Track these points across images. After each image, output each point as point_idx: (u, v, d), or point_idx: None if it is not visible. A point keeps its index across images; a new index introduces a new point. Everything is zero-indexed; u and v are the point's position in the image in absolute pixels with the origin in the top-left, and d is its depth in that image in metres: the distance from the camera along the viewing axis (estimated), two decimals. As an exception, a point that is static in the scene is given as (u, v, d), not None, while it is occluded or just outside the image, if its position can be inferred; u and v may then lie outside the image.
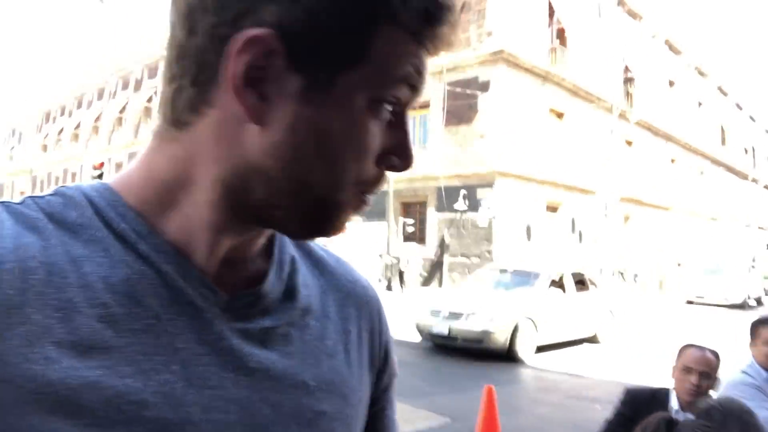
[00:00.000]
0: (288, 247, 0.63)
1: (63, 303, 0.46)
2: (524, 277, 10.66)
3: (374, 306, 0.69)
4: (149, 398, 0.46)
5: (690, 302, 20.57)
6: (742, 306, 19.70)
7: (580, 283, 11.28)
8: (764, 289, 23.10)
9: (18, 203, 0.51)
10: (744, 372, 2.74)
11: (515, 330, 9.13)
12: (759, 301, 21.73)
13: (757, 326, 2.85)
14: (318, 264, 0.66)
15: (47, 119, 48.42)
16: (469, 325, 9.12)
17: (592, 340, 11.21)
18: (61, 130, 45.46)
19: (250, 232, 0.56)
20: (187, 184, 0.52)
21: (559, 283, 10.63)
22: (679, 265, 25.36)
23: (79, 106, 44.26)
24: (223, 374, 0.51)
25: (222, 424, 0.50)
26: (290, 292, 0.60)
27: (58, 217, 0.50)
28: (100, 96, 41.67)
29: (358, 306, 0.66)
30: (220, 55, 0.48)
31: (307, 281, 0.62)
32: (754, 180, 44.36)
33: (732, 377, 2.71)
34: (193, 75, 0.50)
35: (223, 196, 0.51)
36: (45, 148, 48.19)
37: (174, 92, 0.52)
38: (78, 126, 43.36)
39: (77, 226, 0.50)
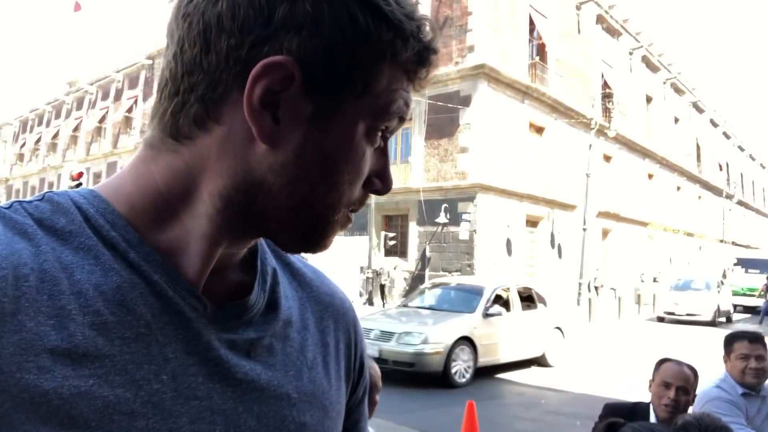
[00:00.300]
0: (269, 259, 0.64)
1: (56, 311, 0.46)
2: (468, 294, 9.82)
3: (350, 318, 0.71)
4: (139, 408, 0.47)
5: (661, 318, 20.05)
6: (713, 322, 19.00)
7: (528, 300, 10.39)
8: (733, 305, 22.73)
9: (5, 208, 0.50)
10: (718, 386, 2.75)
11: (451, 352, 8.28)
12: (729, 318, 20.98)
13: (731, 341, 2.86)
14: (297, 276, 0.67)
15: (24, 129, 47.69)
16: (400, 347, 8.30)
17: (541, 362, 10.24)
18: (38, 140, 44.82)
19: (242, 243, 0.58)
20: (186, 195, 0.53)
21: (505, 301, 9.79)
22: (654, 280, 25.41)
23: (58, 115, 43.71)
24: (210, 385, 0.52)
25: None
26: (272, 304, 0.61)
27: (48, 223, 0.50)
28: (80, 105, 41.20)
29: (335, 318, 0.68)
30: (235, 76, 0.50)
31: (287, 293, 0.64)
32: (728, 196, 45.23)
33: (706, 392, 2.72)
34: (202, 91, 0.51)
35: (222, 210, 0.53)
36: (21, 157, 47.41)
37: (177, 105, 0.52)
38: (56, 135, 42.79)
39: (66, 233, 0.50)
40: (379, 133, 0.55)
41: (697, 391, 2.78)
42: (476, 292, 9.61)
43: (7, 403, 0.42)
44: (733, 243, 42.77)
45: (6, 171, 48.17)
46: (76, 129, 40.84)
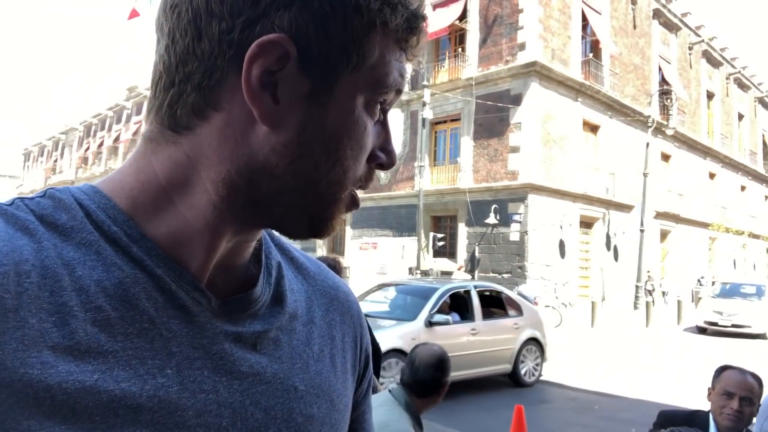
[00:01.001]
0: (274, 253, 0.65)
1: (58, 307, 0.45)
2: (416, 298, 8.26)
3: (355, 311, 0.71)
4: (145, 403, 0.47)
5: (702, 329, 16.63)
6: (765, 335, 15.97)
7: (496, 305, 8.94)
8: None
9: (7, 204, 0.50)
10: None
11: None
12: None
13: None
14: (301, 270, 0.68)
15: (88, 133, 49.94)
16: None
17: (514, 379, 8.76)
18: (101, 144, 46.80)
19: (246, 233, 0.57)
20: (186, 186, 0.53)
21: (465, 307, 8.39)
22: (713, 283, 23.84)
23: (119, 120, 45.55)
24: (216, 378, 0.52)
25: (215, 428, 0.51)
26: (278, 297, 0.61)
27: (49, 219, 0.49)
28: (139, 110, 42.81)
29: (341, 311, 0.68)
30: (230, 60, 0.50)
31: (293, 287, 0.64)
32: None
33: None
34: (198, 79, 0.51)
35: (225, 197, 0.52)
36: (86, 161, 49.68)
37: (174, 97, 0.52)
38: (117, 139, 44.59)
39: (68, 229, 0.50)
40: (378, 106, 0.55)
41: (762, 401, 2.61)
42: (425, 296, 8.12)
43: (10, 398, 0.42)
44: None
45: (71, 174, 50.50)
46: (135, 133, 42.45)
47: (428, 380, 2.25)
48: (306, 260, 0.70)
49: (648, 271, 22.12)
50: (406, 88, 22.38)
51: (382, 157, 0.57)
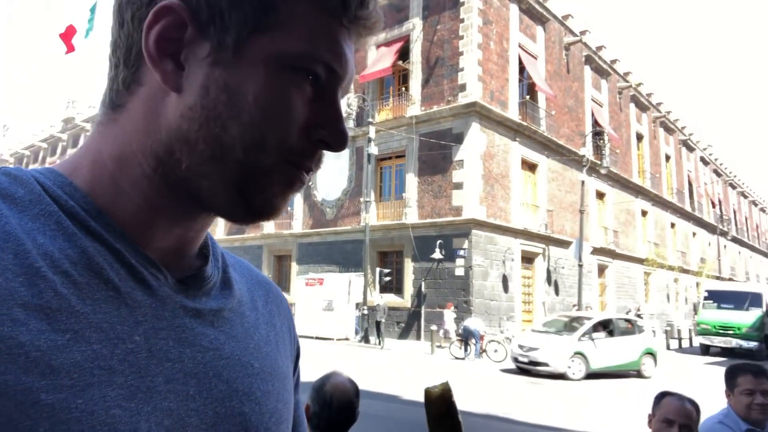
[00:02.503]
0: (218, 247, 0.67)
1: (24, 268, 0.45)
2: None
3: (286, 306, 0.75)
4: (116, 365, 0.47)
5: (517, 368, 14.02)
6: (563, 375, 13.25)
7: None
8: (704, 346, 20.85)
9: None
10: (721, 422, 2.63)
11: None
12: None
13: (734, 374, 2.72)
14: (236, 266, 0.70)
15: (19, 164, 47.68)
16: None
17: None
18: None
19: (189, 218, 0.57)
20: (123, 161, 0.54)
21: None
22: (638, 315, 24.88)
23: (53, 152, 43.82)
24: (181, 349, 0.53)
25: (184, 395, 0.51)
26: (226, 282, 0.63)
27: (6, 192, 0.49)
28: (75, 143, 41.35)
29: (276, 304, 0.71)
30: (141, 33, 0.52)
31: (235, 276, 0.67)
32: (722, 233, 45.43)
33: (709, 428, 2.61)
34: (124, 59, 0.54)
35: (155, 169, 0.53)
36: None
37: (111, 79, 0.56)
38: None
39: (26, 201, 0.49)
40: (308, 78, 0.54)
41: (700, 426, 2.68)
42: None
43: None
44: (730, 278, 42.72)
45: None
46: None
47: (348, 417, 2.11)
48: (236, 261, 0.71)
49: (587, 307, 22.71)
50: (352, 124, 22.71)
51: (324, 133, 0.55)
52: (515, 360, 14.01)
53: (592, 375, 13.58)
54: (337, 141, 0.56)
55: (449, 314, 18.08)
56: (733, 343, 19.99)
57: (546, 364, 13.27)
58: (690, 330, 23.58)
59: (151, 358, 0.50)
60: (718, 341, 20.51)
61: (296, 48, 0.52)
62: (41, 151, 45.46)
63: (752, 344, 19.66)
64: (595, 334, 13.99)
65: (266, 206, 0.55)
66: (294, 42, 0.52)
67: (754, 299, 20.94)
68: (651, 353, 14.58)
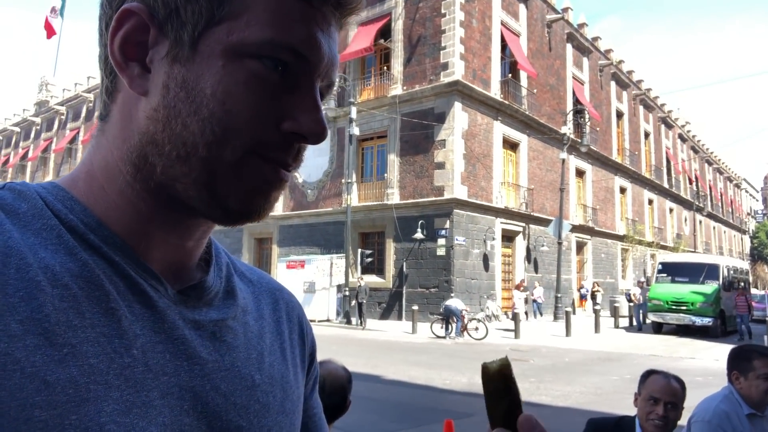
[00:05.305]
0: (223, 255, 0.66)
1: (24, 283, 0.45)
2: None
3: (298, 310, 0.74)
4: (113, 380, 0.47)
5: None
6: None
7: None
8: (656, 324, 18.99)
9: None
10: (723, 407, 2.57)
11: None
12: None
13: (749, 357, 2.62)
14: (244, 275, 0.69)
15: (-9, 150, 46.64)
16: None
17: None
18: (6, 161, 43.86)
19: (181, 227, 0.56)
20: (109, 170, 0.54)
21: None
22: (594, 290, 25.00)
23: (27, 137, 42.89)
24: (178, 363, 0.53)
25: (179, 409, 0.51)
26: (229, 291, 0.63)
27: (9, 208, 0.50)
28: (50, 126, 40.48)
29: (286, 310, 0.70)
30: None
31: (240, 285, 0.66)
32: (698, 208, 46.17)
33: (713, 410, 2.56)
34: (104, 69, 0.55)
35: (134, 176, 0.53)
36: (-12, 179, 46.30)
37: (100, 92, 0.57)
38: (25, 157, 41.92)
39: (29, 216, 0.50)
40: (276, 68, 0.51)
41: (697, 406, 2.67)
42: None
43: None
44: (704, 252, 43.57)
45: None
46: (45, 150, 40.08)
47: (339, 403, 2.18)
48: (247, 269, 0.71)
49: (532, 284, 22.58)
50: (333, 104, 22.48)
51: (295, 124, 0.52)
52: None
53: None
54: (312, 132, 0.53)
55: (519, 294, 18.31)
56: (686, 319, 18.16)
57: None
58: (630, 306, 21.19)
59: (148, 372, 0.50)
60: (671, 318, 18.58)
61: (256, 36, 0.50)
62: (14, 135, 44.39)
63: (706, 320, 17.94)
64: None
65: (244, 206, 0.53)
66: (254, 30, 0.50)
67: (711, 271, 19.04)
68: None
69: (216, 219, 0.55)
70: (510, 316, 17.45)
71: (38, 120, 41.70)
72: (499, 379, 0.51)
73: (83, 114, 37.18)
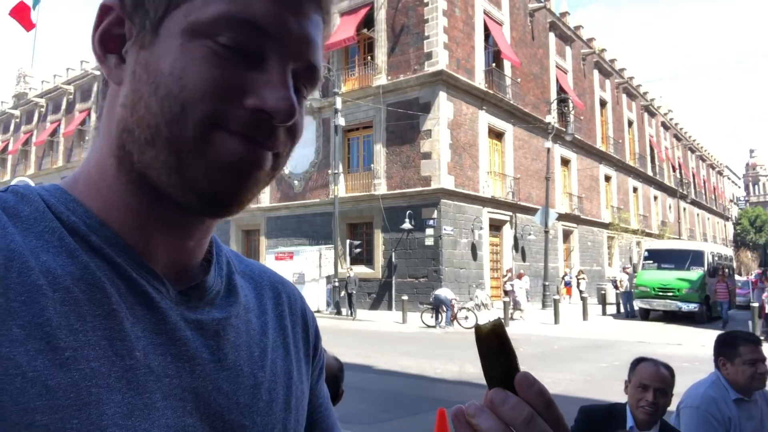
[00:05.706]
0: (223, 254, 0.67)
1: (26, 287, 0.45)
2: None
3: (301, 302, 0.74)
4: (114, 383, 0.47)
5: None
6: None
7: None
8: (644, 310, 19.21)
9: None
10: (711, 394, 2.61)
11: None
12: None
13: (735, 343, 2.66)
14: (245, 272, 0.69)
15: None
16: None
17: None
18: (-14, 156, 43.11)
19: (175, 224, 0.56)
20: (100, 167, 0.55)
21: None
22: (579, 277, 25.20)
23: (6, 129, 42.17)
24: (179, 364, 0.53)
25: (181, 411, 0.52)
26: (231, 289, 0.63)
27: (12, 211, 0.50)
28: (29, 119, 39.82)
29: (289, 303, 0.71)
30: None
31: (242, 283, 0.66)
32: (682, 196, 46.72)
33: (701, 395, 2.61)
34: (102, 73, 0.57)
35: (117, 168, 0.54)
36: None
37: (98, 93, 0.59)
38: (4, 150, 41.24)
39: (31, 219, 0.50)
40: (235, 41, 0.50)
41: (685, 393, 2.72)
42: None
43: None
44: (689, 239, 44.13)
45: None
46: (26, 143, 39.46)
47: (331, 393, 2.20)
48: (247, 266, 0.71)
49: (570, 270, 22.83)
50: (317, 95, 22.35)
51: (258, 101, 0.51)
52: None
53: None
54: (277, 109, 0.51)
55: (520, 284, 18.42)
56: (673, 305, 18.40)
57: None
58: (617, 294, 21.17)
59: (150, 374, 0.50)
60: (658, 304, 18.84)
61: (210, 13, 0.50)
62: (-7, 126, 43.61)
63: (692, 306, 18.17)
64: None
65: (215, 185, 0.51)
66: (210, 7, 0.50)
67: (696, 258, 19.27)
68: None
69: (195, 209, 0.53)
70: (510, 305, 17.58)
71: (17, 113, 40.97)
72: (492, 340, 0.51)
73: (63, 106, 36.58)
